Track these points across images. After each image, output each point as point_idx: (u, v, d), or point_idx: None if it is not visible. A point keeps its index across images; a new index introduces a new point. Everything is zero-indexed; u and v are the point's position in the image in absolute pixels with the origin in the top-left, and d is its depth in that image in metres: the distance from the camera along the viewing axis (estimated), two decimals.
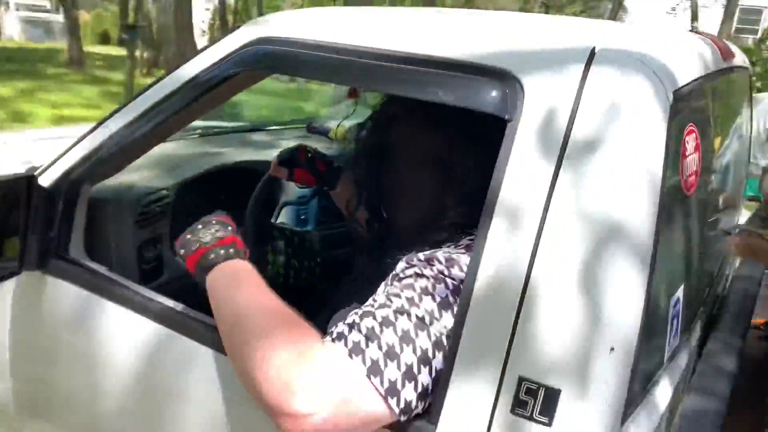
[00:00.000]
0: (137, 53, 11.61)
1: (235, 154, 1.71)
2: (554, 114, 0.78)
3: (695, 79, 0.92)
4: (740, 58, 1.40)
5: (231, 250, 0.94)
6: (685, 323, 1.02)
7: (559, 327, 0.75)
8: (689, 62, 0.92)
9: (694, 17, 15.58)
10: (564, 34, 0.93)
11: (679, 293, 0.94)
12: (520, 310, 0.76)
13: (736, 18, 16.24)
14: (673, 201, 0.86)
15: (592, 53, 0.81)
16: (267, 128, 2.29)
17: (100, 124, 1.17)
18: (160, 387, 1.07)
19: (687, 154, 0.89)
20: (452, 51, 0.88)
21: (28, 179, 1.12)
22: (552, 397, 0.74)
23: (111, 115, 1.16)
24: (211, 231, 0.96)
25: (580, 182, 0.76)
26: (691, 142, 0.91)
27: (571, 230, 0.75)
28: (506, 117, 0.81)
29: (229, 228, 0.98)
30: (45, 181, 1.18)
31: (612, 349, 0.74)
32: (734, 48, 1.39)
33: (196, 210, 1.22)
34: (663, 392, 0.89)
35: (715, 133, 1.12)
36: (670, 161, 0.79)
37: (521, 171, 0.78)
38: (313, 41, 0.98)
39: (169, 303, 1.07)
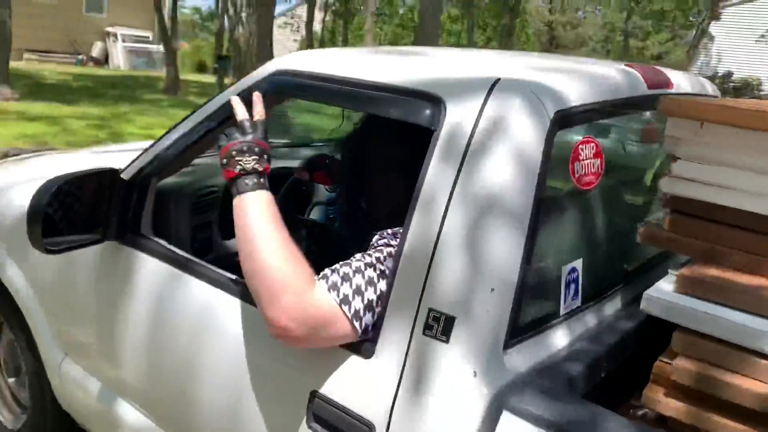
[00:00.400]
0: (227, 80, 12.50)
1: (279, 164, 2.10)
2: (463, 126, 1.10)
3: (591, 102, 1.20)
4: (687, 86, 1.64)
5: (262, 180, 1.17)
6: (594, 292, 1.30)
7: (456, 274, 1.05)
8: (586, 90, 1.21)
9: None
10: (484, 68, 1.24)
11: (576, 265, 1.22)
12: (431, 261, 1.07)
13: None
14: (559, 192, 1.15)
15: (496, 82, 1.12)
16: (314, 144, 2.68)
17: (164, 135, 1.58)
18: (202, 330, 1.43)
19: (582, 158, 1.18)
20: (403, 80, 1.21)
21: (112, 172, 1.53)
22: (449, 322, 1.05)
23: (172, 128, 1.57)
24: (253, 159, 1.17)
25: (476, 174, 1.07)
26: (587, 149, 1.19)
27: (468, 207, 1.06)
28: (432, 128, 1.13)
29: (265, 157, 1.19)
30: (125, 175, 1.59)
31: (492, 289, 1.04)
32: (680, 78, 1.64)
33: None
34: (556, 337, 1.17)
35: (632, 144, 1.39)
36: (551, 162, 1.09)
37: (438, 166, 1.10)
38: (314, 73, 1.35)
39: (215, 269, 1.44)
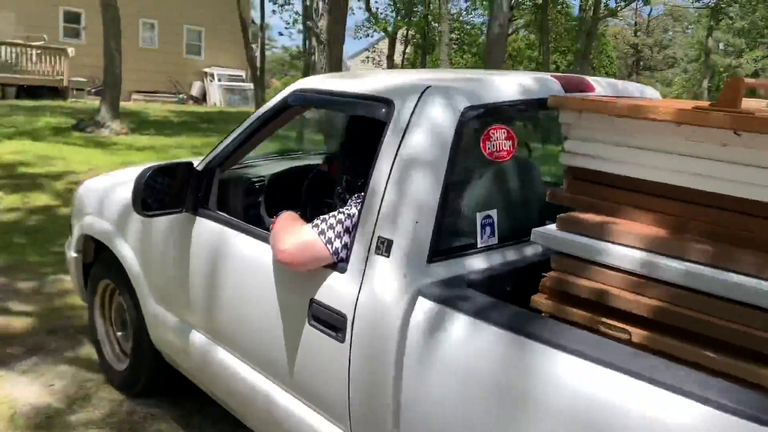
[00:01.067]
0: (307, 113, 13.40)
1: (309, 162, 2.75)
2: (402, 118, 1.67)
3: (500, 101, 1.74)
4: (620, 91, 2.12)
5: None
6: (511, 235, 1.80)
7: (395, 212, 1.61)
8: (495, 92, 1.75)
9: None
10: (422, 79, 1.80)
11: (491, 213, 1.74)
12: (381, 206, 1.64)
13: None
14: (478, 162, 1.69)
15: (427, 88, 1.69)
16: None
17: (223, 139, 2.23)
18: (247, 269, 2.04)
19: (492, 139, 1.71)
20: (371, 89, 1.80)
21: (188, 164, 2.20)
22: (389, 243, 1.60)
23: (229, 134, 2.21)
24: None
25: (409, 149, 1.63)
26: (497, 133, 1.72)
27: (404, 170, 1.62)
28: (386, 120, 1.70)
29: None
30: (198, 167, 2.25)
31: (417, 222, 1.58)
32: (616, 85, 2.13)
33: (280, 189, 2.22)
34: (472, 261, 1.69)
35: (537, 131, 1.91)
36: (461, 141, 1.63)
37: (387, 144, 1.67)
38: (319, 89, 1.96)
39: (257, 228, 2.06)
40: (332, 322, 1.70)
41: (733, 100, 1.47)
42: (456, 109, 1.64)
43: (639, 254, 1.49)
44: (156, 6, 20.81)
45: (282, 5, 22.96)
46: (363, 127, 1.90)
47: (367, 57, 30.38)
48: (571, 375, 1.25)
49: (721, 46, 34.63)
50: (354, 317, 1.65)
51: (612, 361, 1.21)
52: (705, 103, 1.57)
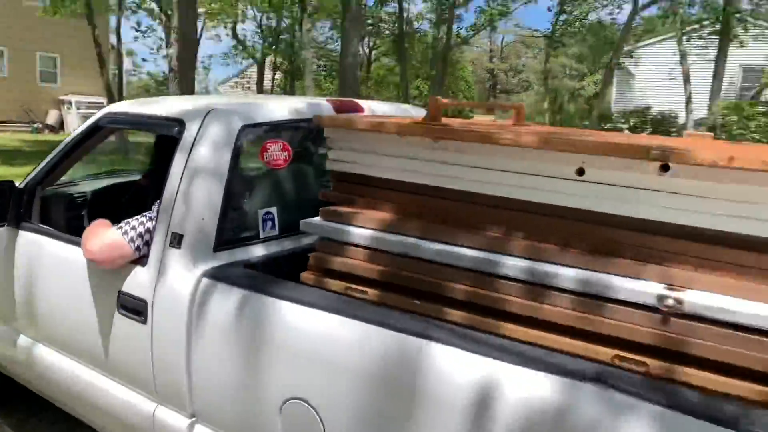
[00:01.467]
0: None
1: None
2: (190, 135, 2.03)
3: (273, 120, 2.15)
4: (387, 111, 2.60)
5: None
6: (291, 228, 2.20)
7: (185, 212, 1.96)
8: (270, 113, 2.15)
9: None
10: (210, 103, 2.18)
11: (272, 210, 2.13)
12: (173, 207, 1.98)
13: None
14: (258, 169, 2.09)
15: (211, 110, 2.06)
16: None
17: (42, 161, 2.48)
18: (65, 270, 2.30)
19: (269, 150, 2.11)
20: (169, 112, 2.15)
21: (9, 183, 2.43)
22: (181, 238, 1.95)
23: (48, 155, 2.47)
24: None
25: (195, 160, 1.99)
26: (274, 146, 2.13)
27: (191, 178, 1.98)
28: (179, 138, 2.06)
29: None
30: (20, 185, 2.48)
31: (203, 219, 1.95)
32: (382, 106, 2.61)
33: (101, 203, 2.51)
34: (255, 249, 2.08)
35: (310, 144, 2.35)
36: (240, 153, 2.02)
37: (178, 157, 2.02)
38: (129, 112, 2.28)
39: (73, 236, 2.32)
40: (136, 308, 2.02)
41: (435, 116, 1.96)
42: (234, 127, 2.03)
43: (374, 234, 1.94)
44: (5, 32, 19.78)
45: (144, 32, 22.55)
46: (164, 144, 2.25)
47: (237, 83, 30.39)
48: (296, 318, 1.67)
49: (568, 71, 37.82)
50: (153, 301, 1.97)
51: (320, 304, 1.65)
52: (420, 118, 2.06)
